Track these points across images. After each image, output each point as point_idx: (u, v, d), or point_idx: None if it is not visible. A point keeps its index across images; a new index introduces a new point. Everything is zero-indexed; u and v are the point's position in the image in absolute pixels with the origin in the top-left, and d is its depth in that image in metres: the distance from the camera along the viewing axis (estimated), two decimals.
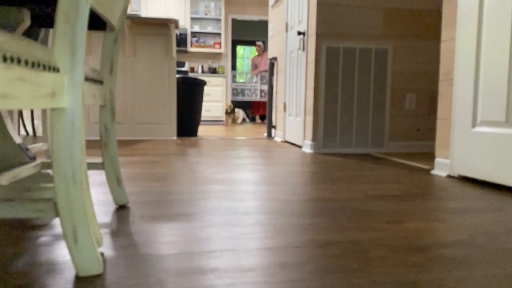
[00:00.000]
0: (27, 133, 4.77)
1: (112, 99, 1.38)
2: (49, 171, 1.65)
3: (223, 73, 9.28)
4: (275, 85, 4.88)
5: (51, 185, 1.32)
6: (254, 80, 9.76)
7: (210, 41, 9.26)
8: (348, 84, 3.46)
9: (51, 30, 1.76)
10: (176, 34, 8.79)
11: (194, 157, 2.94)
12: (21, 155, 1.55)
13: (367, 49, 3.46)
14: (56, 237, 1.13)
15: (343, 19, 3.41)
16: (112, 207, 1.48)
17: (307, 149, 3.54)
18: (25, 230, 1.20)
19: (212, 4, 9.08)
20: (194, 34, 9.15)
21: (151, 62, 4.48)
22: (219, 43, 9.16)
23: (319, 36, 3.39)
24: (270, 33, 5.16)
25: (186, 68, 8.91)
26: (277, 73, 4.80)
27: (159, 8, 8.71)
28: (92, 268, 0.88)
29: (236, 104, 10.48)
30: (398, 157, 3.14)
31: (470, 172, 2.13)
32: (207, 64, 9.32)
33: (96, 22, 1.37)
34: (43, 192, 1.27)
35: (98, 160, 2.72)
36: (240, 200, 1.63)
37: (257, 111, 9.74)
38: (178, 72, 8.83)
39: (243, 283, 0.86)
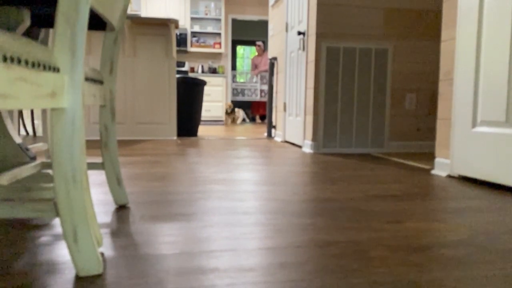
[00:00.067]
0: (27, 133, 4.77)
1: (112, 99, 1.38)
2: (49, 171, 1.65)
3: (223, 73, 9.28)
4: (275, 85, 4.88)
5: (51, 185, 1.32)
6: (254, 80, 9.76)
7: (210, 41, 9.26)
8: (348, 84, 3.46)
9: (51, 30, 1.76)
10: (176, 34, 8.79)
11: (194, 157, 2.94)
12: (21, 155, 1.55)
13: (367, 49, 3.46)
14: (56, 237, 1.13)
15: (343, 19, 3.41)
16: (112, 207, 1.48)
17: (307, 149, 3.54)
18: (25, 230, 1.20)
19: (212, 4, 9.08)
20: (194, 34, 9.15)
21: (151, 62, 4.48)
22: (219, 43, 9.17)
23: (319, 36, 3.39)
24: (270, 33, 5.16)
25: (186, 68, 8.91)
26: (277, 73, 4.80)
27: (159, 8, 8.71)
28: (92, 268, 0.88)
29: (236, 104, 10.48)
30: (398, 157, 3.14)
31: (470, 172, 2.13)
32: (207, 64, 9.32)
33: (96, 22, 1.37)
34: (43, 192, 1.27)
35: (98, 160, 2.72)
36: (240, 200, 1.63)
37: (257, 111, 9.74)
38: (178, 72, 8.83)
39: (243, 283, 0.86)
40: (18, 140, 1.57)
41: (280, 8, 4.63)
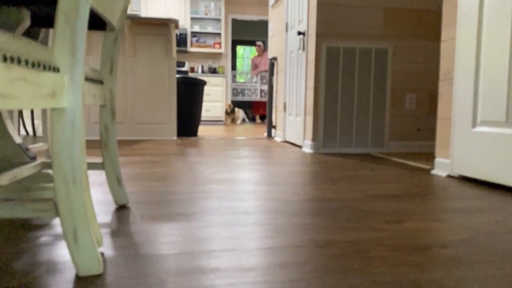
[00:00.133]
0: (27, 133, 4.77)
1: (112, 99, 1.38)
2: (49, 171, 1.65)
3: (223, 73, 9.28)
4: (275, 85, 4.88)
5: (51, 185, 1.32)
6: (254, 80, 9.76)
7: (210, 41, 9.26)
8: (348, 84, 3.46)
9: (51, 30, 1.76)
10: (176, 34, 8.79)
11: (194, 157, 2.94)
12: (21, 155, 1.55)
13: (367, 49, 3.46)
14: (56, 237, 1.13)
15: (343, 19, 3.41)
16: (112, 207, 1.48)
17: (307, 149, 3.54)
18: (25, 230, 1.20)
19: (212, 4, 9.08)
20: (194, 34, 9.15)
21: (151, 62, 4.49)
22: (219, 43, 9.17)
23: (319, 36, 3.39)
24: (270, 33, 5.16)
25: (186, 68, 8.91)
26: (277, 73, 4.80)
27: (159, 8, 8.71)
28: (92, 268, 0.88)
29: (236, 104, 10.48)
30: (398, 157, 3.14)
31: (470, 172, 2.13)
32: (207, 64, 9.32)
33: (96, 22, 1.37)
34: (43, 192, 1.27)
35: (98, 160, 2.72)
36: (240, 200, 1.63)
37: (257, 111, 9.74)
38: (178, 72, 8.83)
39: (243, 283, 0.86)
40: (18, 140, 1.57)
41: (280, 8, 4.63)
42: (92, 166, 1.45)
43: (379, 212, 1.48)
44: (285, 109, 4.40)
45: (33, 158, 1.60)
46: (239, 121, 9.02)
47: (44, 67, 0.77)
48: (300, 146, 3.90)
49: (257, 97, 9.70)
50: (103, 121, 1.38)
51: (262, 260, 0.99)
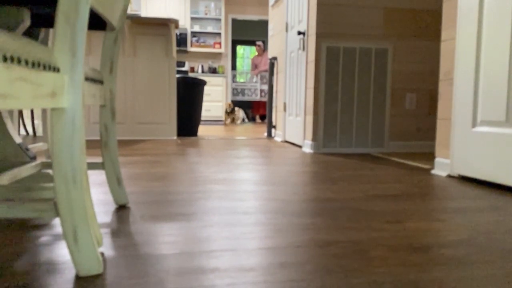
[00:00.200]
0: (27, 133, 4.77)
1: (112, 99, 1.38)
2: (49, 171, 1.65)
3: (223, 73, 9.28)
4: (275, 85, 4.88)
5: (51, 185, 1.32)
6: (254, 80, 9.76)
7: (210, 41, 9.26)
8: (348, 84, 3.46)
9: (51, 30, 1.76)
10: (176, 34, 8.79)
11: (194, 157, 2.94)
12: (21, 155, 1.55)
13: (367, 49, 3.46)
14: (56, 237, 1.13)
15: (343, 19, 3.41)
16: (112, 207, 1.48)
17: (307, 149, 3.54)
18: (25, 230, 1.20)
19: (212, 4, 9.08)
20: (194, 34, 9.15)
21: (151, 62, 4.48)
22: (219, 43, 9.17)
23: (319, 36, 3.39)
24: (270, 33, 5.16)
25: (186, 68, 8.91)
26: (277, 73, 4.80)
27: (159, 8, 8.71)
28: (92, 268, 0.88)
29: (236, 104, 10.48)
30: (398, 157, 3.14)
31: (470, 172, 2.13)
32: (207, 64, 9.32)
33: (96, 22, 1.37)
34: (43, 192, 1.27)
35: (98, 160, 2.72)
36: (240, 200, 1.63)
37: (257, 111, 9.74)
38: (178, 72, 8.83)
39: (243, 283, 0.86)
40: (18, 140, 1.57)
41: (280, 8, 4.63)
42: (92, 166, 1.45)
43: (379, 212, 1.48)
44: (285, 109, 4.40)
45: (33, 158, 1.60)
46: (239, 121, 9.02)
47: (44, 67, 0.77)
48: (300, 146, 3.90)
49: (257, 97, 9.70)
50: (103, 121, 1.38)
51: (262, 260, 0.99)
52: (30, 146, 1.84)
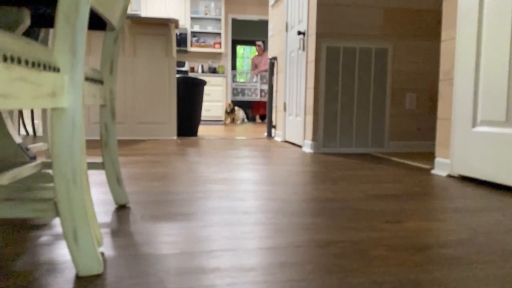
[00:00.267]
0: (27, 133, 4.77)
1: (112, 99, 1.38)
2: (49, 171, 1.65)
3: (223, 73, 9.28)
4: (275, 85, 4.88)
5: (52, 185, 1.32)
6: (254, 80, 9.76)
7: (210, 41, 9.26)
8: (348, 84, 3.46)
9: (51, 30, 1.76)
10: (176, 34, 8.79)
11: (194, 157, 2.94)
12: (21, 155, 1.55)
13: (367, 48, 3.46)
14: (56, 237, 1.13)
15: (343, 19, 3.41)
16: (112, 206, 1.48)
17: (307, 149, 3.54)
18: (25, 230, 1.20)
19: (212, 4, 9.08)
20: (194, 34, 9.15)
21: (151, 62, 4.48)
22: (219, 43, 9.16)
23: (319, 36, 3.39)
24: (270, 33, 5.16)
25: (186, 68, 8.91)
26: (277, 73, 4.80)
27: (159, 8, 8.71)
28: (92, 268, 0.88)
29: (236, 103, 10.48)
30: (398, 157, 3.14)
31: (470, 172, 2.13)
32: (207, 64, 9.32)
33: (96, 22, 1.37)
34: (43, 192, 1.27)
35: (98, 160, 2.72)
36: (240, 199, 1.63)
37: (257, 111, 9.74)
38: (178, 72, 8.83)
39: (243, 283, 0.86)
40: (18, 140, 1.57)
41: (280, 8, 4.63)
42: (92, 166, 1.45)
43: (379, 212, 1.48)
44: (285, 109, 4.40)
45: (33, 158, 1.60)
46: (239, 121, 9.02)
47: (44, 67, 0.77)
48: (300, 146, 3.90)
49: (257, 97, 9.70)
50: (103, 121, 1.38)
51: (262, 260, 1.00)
52: (30, 146, 1.84)
